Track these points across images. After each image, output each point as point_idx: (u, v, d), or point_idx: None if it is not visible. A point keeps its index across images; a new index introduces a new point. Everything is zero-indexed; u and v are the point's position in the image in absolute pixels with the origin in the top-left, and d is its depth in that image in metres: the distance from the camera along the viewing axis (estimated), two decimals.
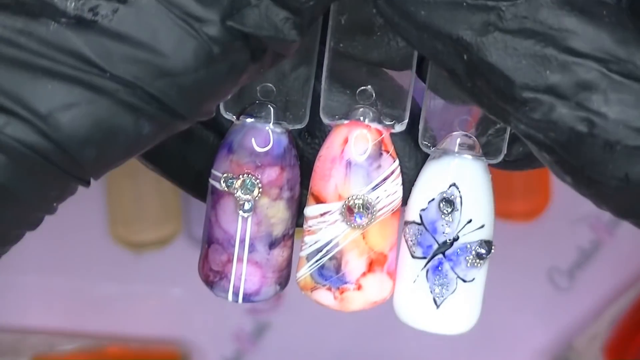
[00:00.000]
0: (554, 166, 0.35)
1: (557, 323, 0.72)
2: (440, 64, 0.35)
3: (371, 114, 0.39)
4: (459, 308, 0.40)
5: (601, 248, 0.72)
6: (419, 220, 0.40)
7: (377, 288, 0.40)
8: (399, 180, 0.40)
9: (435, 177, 0.39)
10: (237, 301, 0.40)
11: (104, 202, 0.70)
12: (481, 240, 0.39)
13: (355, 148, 0.39)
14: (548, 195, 0.71)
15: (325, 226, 0.39)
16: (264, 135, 0.39)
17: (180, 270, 0.65)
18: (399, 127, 0.39)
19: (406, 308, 0.40)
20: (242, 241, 0.39)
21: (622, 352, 0.71)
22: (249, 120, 0.39)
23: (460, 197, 0.39)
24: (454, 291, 0.39)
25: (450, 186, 0.39)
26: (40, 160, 0.32)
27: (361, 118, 0.39)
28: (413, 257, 0.40)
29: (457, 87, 0.35)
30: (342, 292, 0.40)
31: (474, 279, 0.40)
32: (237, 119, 0.39)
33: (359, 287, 0.40)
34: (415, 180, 0.40)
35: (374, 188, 0.39)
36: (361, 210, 0.39)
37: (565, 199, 0.71)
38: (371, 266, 0.40)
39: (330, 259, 0.40)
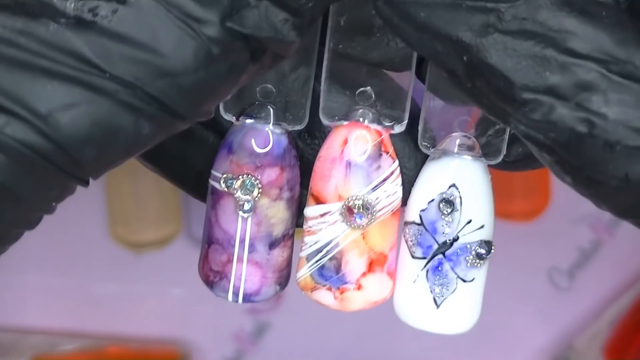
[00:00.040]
0: (554, 166, 0.35)
1: (557, 323, 0.72)
2: (440, 65, 0.35)
3: (371, 114, 0.39)
4: (459, 308, 0.40)
5: (601, 248, 0.72)
6: (418, 221, 0.40)
7: (377, 288, 0.40)
8: (399, 180, 0.40)
9: (435, 177, 0.39)
10: (237, 301, 0.40)
11: (104, 202, 0.70)
12: (481, 241, 0.39)
13: (355, 149, 0.39)
14: (548, 195, 0.71)
15: (325, 226, 0.39)
16: (264, 135, 0.39)
17: (180, 270, 0.65)
18: (399, 128, 0.39)
19: (406, 308, 0.40)
20: (242, 241, 0.39)
21: (622, 352, 0.71)
22: (248, 121, 0.39)
23: (460, 198, 0.39)
24: (454, 291, 0.39)
25: (449, 187, 0.39)
26: (40, 160, 0.32)
27: (361, 119, 0.39)
28: (413, 257, 0.40)
29: (456, 87, 0.35)
30: (342, 292, 0.40)
31: (474, 279, 0.40)
32: (237, 119, 0.40)
33: (359, 287, 0.40)
34: (415, 181, 0.40)
35: (374, 188, 0.39)
36: (361, 210, 0.39)
37: (565, 199, 0.71)
38: (371, 266, 0.40)
39: (330, 259, 0.40)
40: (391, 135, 0.40)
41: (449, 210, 0.39)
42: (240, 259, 0.40)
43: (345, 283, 0.40)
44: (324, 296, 0.40)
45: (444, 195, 0.39)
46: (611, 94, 0.33)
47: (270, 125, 0.39)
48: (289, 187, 0.40)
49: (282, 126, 0.39)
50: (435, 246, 0.39)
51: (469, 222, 0.39)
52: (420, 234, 0.40)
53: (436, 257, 0.39)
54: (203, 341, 0.72)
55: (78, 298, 0.71)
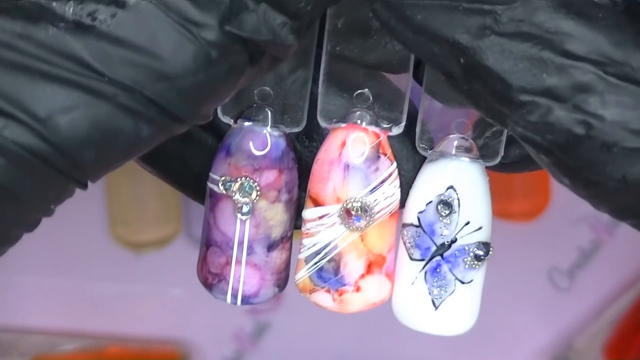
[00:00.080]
0: (551, 168, 0.35)
1: (557, 323, 0.72)
2: (437, 67, 0.35)
3: (368, 116, 0.39)
4: (458, 309, 0.40)
5: (601, 248, 0.72)
6: (416, 223, 0.40)
7: (375, 289, 0.40)
8: (397, 182, 0.40)
9: (433, 179, 0.39)
10: (235, 303, 0.40)
11: (104, 202, 0.70)
12: (479, 242, 0.39)
13: (353, 151, 0.39)
14: (548, 195, 0.71)
15: (323, 228, 0.39)
16: (262, 138, 0.39)
17: (180, 270, 0.65)
18: (397, 130, 0.39)
19: (405, 309, 0.40)
20: (241, 243, 0.39)
21: (622, 352, 0.71)
22: (246, 123, 0.39)
23: (458, 199, 0.39)
24: (452, 293, 0.40)
25: (447, 188, 0.39)
26: (39, 163, 0.32)
27: (358, 121, 0.39)
28: (411, 259, 0.40)
29: (454, 90, 0.35)
30: (341, 294, 0.40)
31: (472, 280, 0.40)
32: (235, 122, 0.40)
33: (358, 289, 0.40)
34: (413, 183, 0.40)
35: (372, 190, 0.39)
36: (359, 212, 0.39)
37: (565, 199, 0.70)
38: (370, 268, 0.40)
39: (329, 261, 0.40)
40: (389, 137, 0.40)
41: (447, 212, 0.39)
42: (238, 261, 0.40)
43: (344, 285, 0.40)
44: (323, 298, 0.40)
45: (441, 197, 0.39)
46: (608, 95, 0.33)
47: (268, 127, 0.39)
48: (287, 189, 0.40)
49: (280, 129, 0.39)
50: (434, 248, 0.39)
51: (467, 223, 0.39)
52: (419, 236, 0.40)
53: (434, 259, 0.39)
54: (203, 341, 0.72)
55: (78, 298, 0.71)
